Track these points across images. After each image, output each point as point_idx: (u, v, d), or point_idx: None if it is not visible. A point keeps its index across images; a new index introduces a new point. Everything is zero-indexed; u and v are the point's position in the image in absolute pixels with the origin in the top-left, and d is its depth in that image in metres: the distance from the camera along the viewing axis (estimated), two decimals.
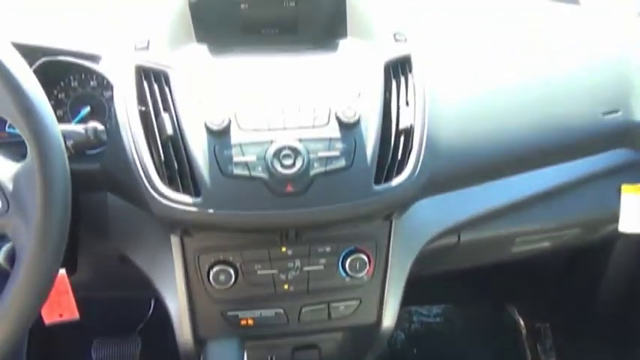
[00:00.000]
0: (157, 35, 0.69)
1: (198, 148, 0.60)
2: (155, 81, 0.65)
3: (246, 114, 0.62)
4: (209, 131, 0.60)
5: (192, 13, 0.73)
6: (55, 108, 0.68)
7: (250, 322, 0.72)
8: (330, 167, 0.61)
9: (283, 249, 0.69)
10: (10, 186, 0.48)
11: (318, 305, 0.73)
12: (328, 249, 0.70)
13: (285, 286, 0.70)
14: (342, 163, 0.61)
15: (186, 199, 0.60)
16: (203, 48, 0.73)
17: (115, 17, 0.79)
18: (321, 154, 0.61)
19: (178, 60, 0.68)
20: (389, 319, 0.76)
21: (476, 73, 0.80)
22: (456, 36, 0.86)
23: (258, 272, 0.69)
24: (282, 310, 0.72)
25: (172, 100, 0.63)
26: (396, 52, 0.70)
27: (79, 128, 0.61)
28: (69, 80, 0.75)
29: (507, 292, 1.43)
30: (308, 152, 0.60)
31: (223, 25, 0.75)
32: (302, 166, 0.59)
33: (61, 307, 0.64)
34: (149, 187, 0.60)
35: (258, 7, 0.76)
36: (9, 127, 0.73)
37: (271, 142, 0.60)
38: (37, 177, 0.47)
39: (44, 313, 0.64)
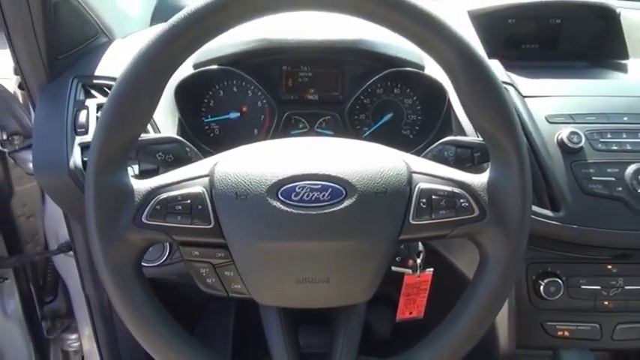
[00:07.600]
0: None
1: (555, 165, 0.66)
2: None
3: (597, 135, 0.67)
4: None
5: None
6: None
7: (567, 333, 0.75)
8: None
9: (609, 266, 0.72)
10: (485, 196, 0.48)
11: (632, 324, 0.75)
12: None
13: (606, 303, 0.73)
14: None
15: (547, 212, 0.65)
16: None
17: None
18: None
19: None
20: None
21: None
22: None
23: (582, 287, 0.73)
24: (597, 326, 0.75)
25: None
26: None
27: None
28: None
29: None
30: None
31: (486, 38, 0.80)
32: None
33: (415, 304, 0.66)
34: None
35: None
36: None
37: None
38: (518, 188, 0.47)
39: (400, 310, 0.67)
